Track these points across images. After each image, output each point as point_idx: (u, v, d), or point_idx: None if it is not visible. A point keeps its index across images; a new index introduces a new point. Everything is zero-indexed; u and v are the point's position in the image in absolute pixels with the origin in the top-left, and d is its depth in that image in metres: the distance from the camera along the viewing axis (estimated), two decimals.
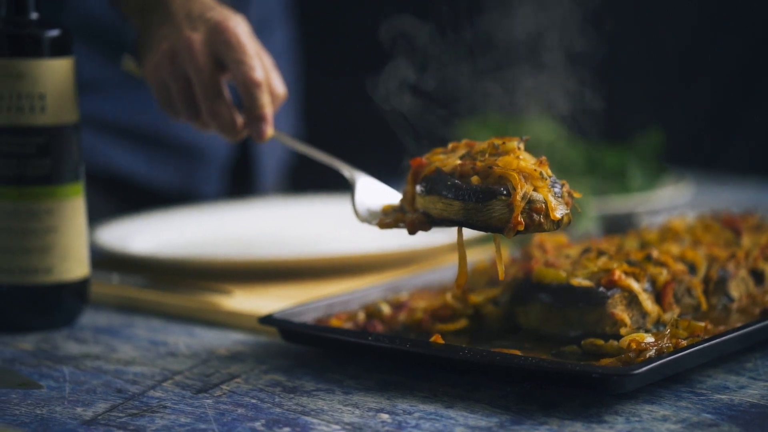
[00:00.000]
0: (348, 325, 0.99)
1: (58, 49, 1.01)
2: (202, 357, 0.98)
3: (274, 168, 1.66)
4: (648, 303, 0.93)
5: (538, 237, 1.08)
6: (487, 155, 0.92)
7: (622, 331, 0.91)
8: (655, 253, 0.97)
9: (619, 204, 1.47)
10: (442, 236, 1.25)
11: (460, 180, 0.91)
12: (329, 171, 1.33)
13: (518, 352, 0.88)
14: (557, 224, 0.90)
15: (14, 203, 1.01)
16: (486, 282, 1.04)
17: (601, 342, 0.90)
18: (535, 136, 1.57)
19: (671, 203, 1.50)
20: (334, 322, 0.99)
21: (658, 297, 0.94)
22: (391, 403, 0.86)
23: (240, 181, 1.61)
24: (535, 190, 0.89)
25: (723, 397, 0.86)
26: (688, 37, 2.43)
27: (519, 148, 0.92)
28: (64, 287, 1.04)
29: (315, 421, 0.83)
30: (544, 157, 0.92)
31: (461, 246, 0.93)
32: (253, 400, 0.87)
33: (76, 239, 1.04)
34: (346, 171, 1.05)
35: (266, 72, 1.04)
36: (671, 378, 0.89)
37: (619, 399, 0.85)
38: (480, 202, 0.90)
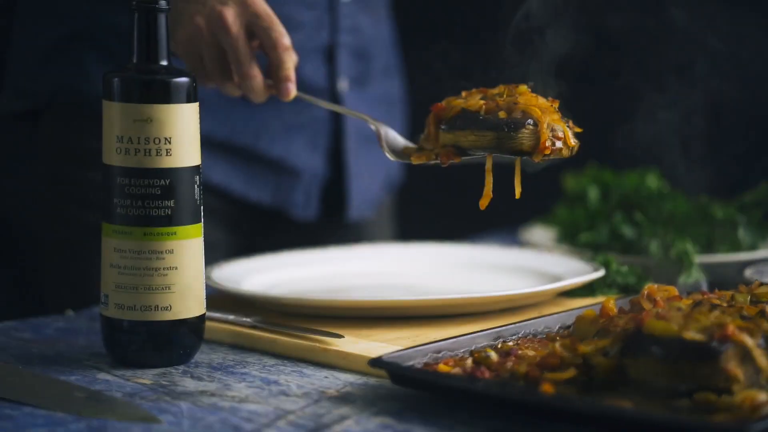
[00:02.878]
0: (456, 371, 1.00)
1: (185, 95, 1.05)
2: (314, 397, 1.00)
3: (368, 197, 1.68)
4: (762, 359, 0.92)
5: (647, 289, 1.08)
6: (504, 96, 1.12)
7: (735, 387, 0.90)
8: None
9: (727, 257, 1.46)
10: (547, 283, 1.26)
11: (489, 114, 1.11)
12: (431, 216, 1.35)
13: (629, 404, 0.89)
14: (572, 150, 1.12)
15: (139, 242, 1.05)
16: (595, 332, 1.04)
17: (714, 397, 0.89)
18: (642, 188, 1.57)
19: None
20: (442, 367, 1.00)
21: None
22: None
23: (332, 204, 1.64)
24: (553, 121, 1.10)
25: None
26: None
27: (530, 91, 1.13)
28: (183, 324, 1.07)
29: None
30: (553, 99, 1.12)
31: (489, 172, 1.12)
32: None
33: (195, 278, 1.07)
34: (372, 123, 1.20)
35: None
36: None
37: None
38: (512, 131, 1.09)
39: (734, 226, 1.50)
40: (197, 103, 1.07)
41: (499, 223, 1.81)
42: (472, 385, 0.95)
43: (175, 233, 1.06)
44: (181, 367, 1.08)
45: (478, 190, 1.36)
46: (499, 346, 1.07)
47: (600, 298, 1.31)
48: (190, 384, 1.04)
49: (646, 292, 1.07)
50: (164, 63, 1.06)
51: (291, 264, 1.40)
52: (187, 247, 1.06)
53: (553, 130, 1.10)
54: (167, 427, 0.93)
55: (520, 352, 1.05)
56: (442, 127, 1.14)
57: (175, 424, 0.93)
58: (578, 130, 1.13)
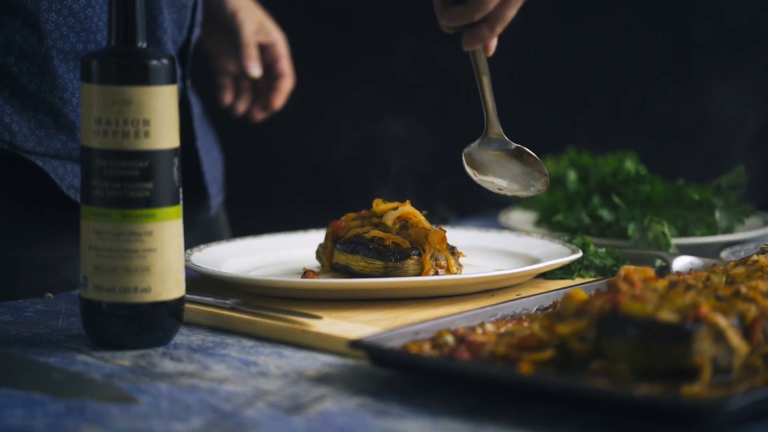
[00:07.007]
0: (435, 352, 1.01)
1: (164, 77, 1.05)
2: (293, 378, 1.01)
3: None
4: (735, 339, 0.94)
5: (624, 270, 1.09)
6: (396, 224, 1.25)
7: (705, 371, 0.91)
8: (743, 289, 0.97)
9: (704, 240, 1.47)
10: (526, 265, 1.26)
11: (378, 244, 1.23)
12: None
13: (606, 383, 0.89)
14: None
15: (117, 225, 1.05)
16: (574, 311, 1.05)
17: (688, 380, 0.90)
18: (620, 172, 1.57)
19: (755, 241, 1.50)
20: (413, 347, 1.01)
21: (747, 333, 0.95)
22: (480, 428, 0.88)
23: None
24: (437, 251, 1.23)
25: None
26: None
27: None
28: (162, 306, 1.07)
29: None
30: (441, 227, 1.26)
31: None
32: (344, 421, 0.90)
33: (174, 260, 1.07)
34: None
35: None
36: (764, 414, 0.89)
37: None
38: (398, 261, 1.22)
39: (711, 209, 1.51)
40: (176, 85, 1.07)
41: (478, 207, 1.82)
42: (451, 365, 0.96)
43: (153, 215, 1.06)
44: (160, 349, 1.09)
45: (457, 172, 1.36)
46: (478, 326, 1.07)
47: (578, 280, 1.32)
48: (169, 365, 1.04)
49: (623, 274, 1.08)
50: (142, 45, 1.06)
51: (270, 247, 1.40)
52: (166, 229, 1.06)
53: (436, 259, 1.22)
54: (146, 407, 0.93)
55: (498, 333, 1.05)
56: (337, 246, 1.26)
57: (154, 405, 0.94)
58: (463, 255, 1.28)
